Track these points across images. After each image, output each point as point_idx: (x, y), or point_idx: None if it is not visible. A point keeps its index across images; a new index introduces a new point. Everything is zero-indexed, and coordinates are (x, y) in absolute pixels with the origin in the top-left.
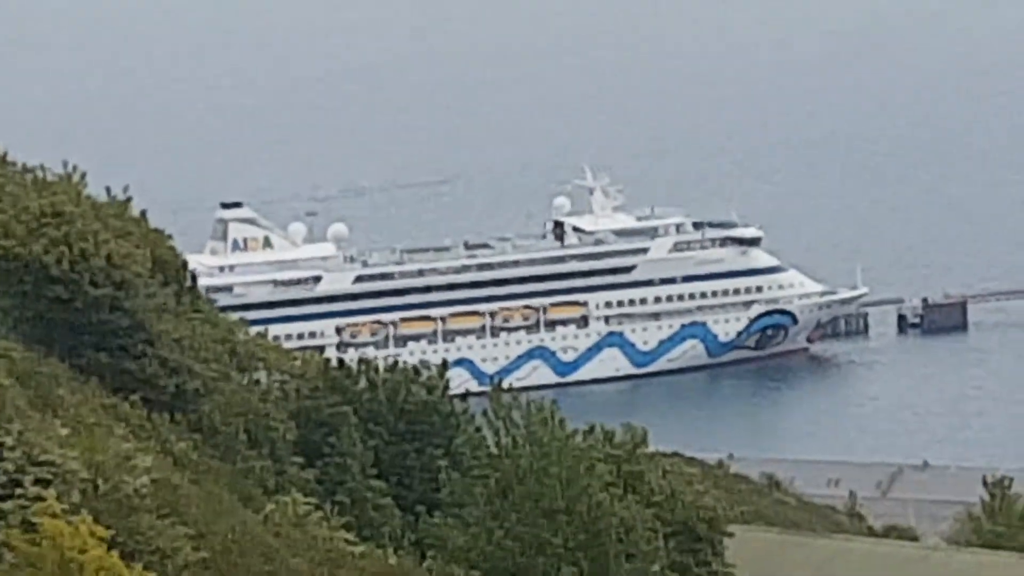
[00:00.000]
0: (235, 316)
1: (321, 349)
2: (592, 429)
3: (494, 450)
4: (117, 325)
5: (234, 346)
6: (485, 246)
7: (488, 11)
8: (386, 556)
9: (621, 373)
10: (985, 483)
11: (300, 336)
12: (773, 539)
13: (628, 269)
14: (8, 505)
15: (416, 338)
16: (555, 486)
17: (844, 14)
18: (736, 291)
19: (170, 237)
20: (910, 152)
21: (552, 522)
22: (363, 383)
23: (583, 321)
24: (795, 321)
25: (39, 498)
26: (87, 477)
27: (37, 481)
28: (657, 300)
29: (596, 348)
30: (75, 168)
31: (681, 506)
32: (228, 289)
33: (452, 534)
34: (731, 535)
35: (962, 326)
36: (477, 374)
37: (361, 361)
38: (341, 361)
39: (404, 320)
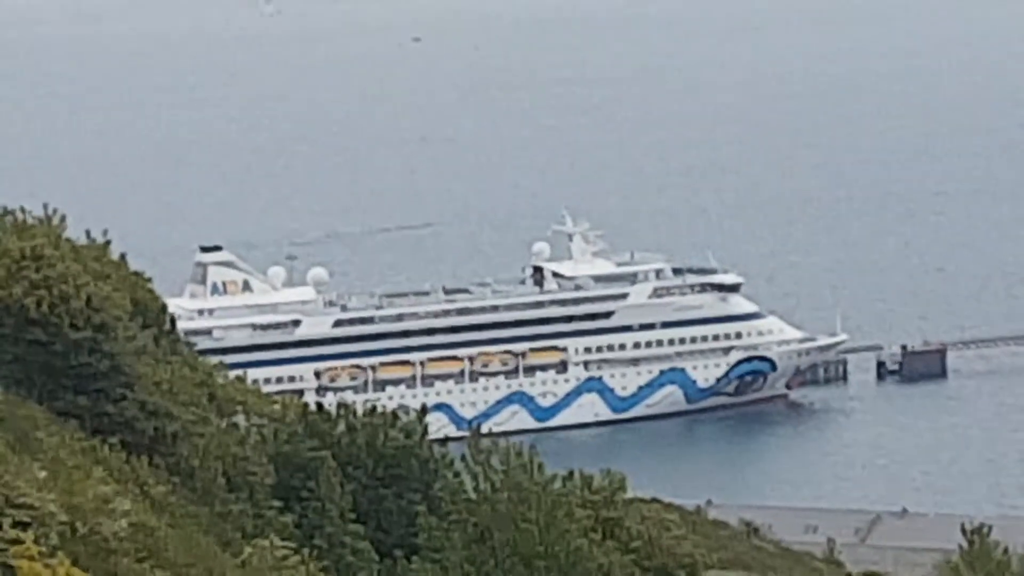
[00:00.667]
0: (214, 360)
1: (300, 393)
2: (571, 475)
3: (472, 495)
4: (96, 368)
5: (213, 390)
6: (464, 291)
7: (465, 55)
8: None
9: (600, 418)
10: (964, 530)
11: (279, 380)
12: None
13: (607, 315)
14: None
15: (395, 383)
16: (533, 531)
17: (823, 65)
18: (715, 337)
19: (149, 280)
20: (890, 200)
21: (530, 568)
22: (342, 427)
23: (562, 366)
24: (774, 368)
25: (17, 540)
26: (65, 520)
27: (15, 524)
28: (636, 346)
29: (575, 393)
30: (55, 211)
31: (659, 552)
32: (207, 332)
33: None
34: None
35: (941, 373)
36: (456, 419)
37: (340, 405)
38: (320, 405)
39: (383, 364)
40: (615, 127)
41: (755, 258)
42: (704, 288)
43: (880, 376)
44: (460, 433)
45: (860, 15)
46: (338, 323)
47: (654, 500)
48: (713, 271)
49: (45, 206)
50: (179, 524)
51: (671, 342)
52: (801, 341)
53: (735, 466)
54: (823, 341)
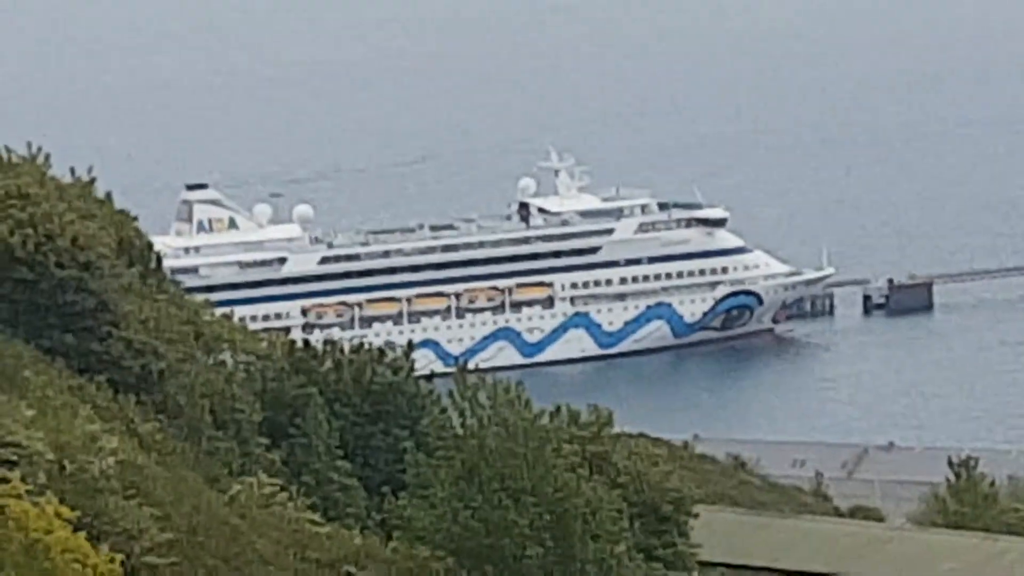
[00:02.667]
0: (200, 297)
1: (287, 330)
2: (558, 410)
3: (459, 431)
4: (82, 306)
5: (199, 327)
6: (450, 227)
7: None
8: (351, 537)
9: (587, 354)
10: (950, 463)
11: (266, 317)
12: (738, 519)
13: (593, 250)
14: None
15: (382, 319)
16: (520, 467)
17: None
18: (701, 272)
19: (135, 218)
20: (876, 133)
21: (517, 503)
22: (328, 364)
23: (549, 302)
24: (760, 302)
25: (4, 480)
26: (52, 458)
27: (2, 463)
28: (623, 281)
29: (562, 329)
30: (39, 150)
31: (647, 487)
32: (193, 270)
33: (417, 515)
34: (696, 516)
35: (927, 307)
36: (442, 355)
37: (327, 342)
38: (307, 342)
39: (369, 301)
40: (601, 62)
41: (741, 192)
42: (690, 223)
43: (866, 310)
44: (447, 369)
45: None
46: (324, 260)
47: (641, 435)
48: (699, 206)
49: (29, 144)
50: (166, 462)
51: (657, 277)
52: (787, 275)
53: (722, 401)
54: (809, 275)
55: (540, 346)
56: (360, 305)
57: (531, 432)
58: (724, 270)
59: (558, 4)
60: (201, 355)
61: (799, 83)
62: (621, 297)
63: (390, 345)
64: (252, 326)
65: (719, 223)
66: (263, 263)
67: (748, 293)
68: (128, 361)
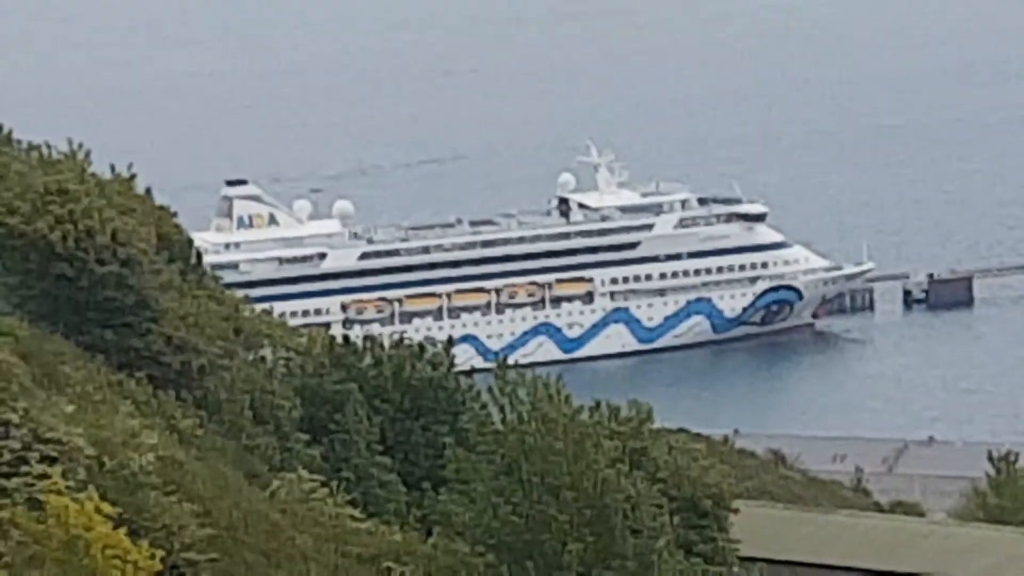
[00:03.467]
0: (240, 293)
1: (326, 326)
2: (598, 405)
3: (500, 427)
4: (122, 302)
5: (239, 323)
6: (490, 223)
7: None
8: (391, 532)
9: (627, 349)
10: (991, 458)
11: (305, 313)
12: (779, 515)
13: (633, 245)
14: (14, 483)
15: (421, 315)
16: (561, 462)
17: None
18: (741, 267)
19: (175, 214)
20: (916, 128)
21: (558, 498)
22: (368, 360)
23: (588, 297)
24: (800, 297)
25: (45, 475)
26: (93, 454)
27: (43, 458)
28: (662, 276)
29: (602, 324)
30: (80, 146)
31: (687, 482)
32: (233, 266)
33: (457, 511)
34: (736, 511)
35: (967, 301)
36: (483, 350)
37: (366, 338)
38: (346, 338)
39: (409, 297)
40: (640, 57)
41: (781, 187)
42: (730, 218)
43: (906, 305)
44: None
45: None
46: (364, 256)
47: (681, 430)
48: (739, 201)
49: (70, 141)
50: (206, 457)
51: (697, 272)
52: (827, 270)
53: (762, 396)
54: (849, 270)
55: (580, 341)
56: (400, 301)
57: (571, 428)
58: (764, 265)
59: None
60: (241, 351)
61: (840, 77)
62: (661, 292)
63: (430, 341)
64: (292, 322)
65: (759, 218)
66: (303, 259)
67: (788, 288)
68: (168, 357)
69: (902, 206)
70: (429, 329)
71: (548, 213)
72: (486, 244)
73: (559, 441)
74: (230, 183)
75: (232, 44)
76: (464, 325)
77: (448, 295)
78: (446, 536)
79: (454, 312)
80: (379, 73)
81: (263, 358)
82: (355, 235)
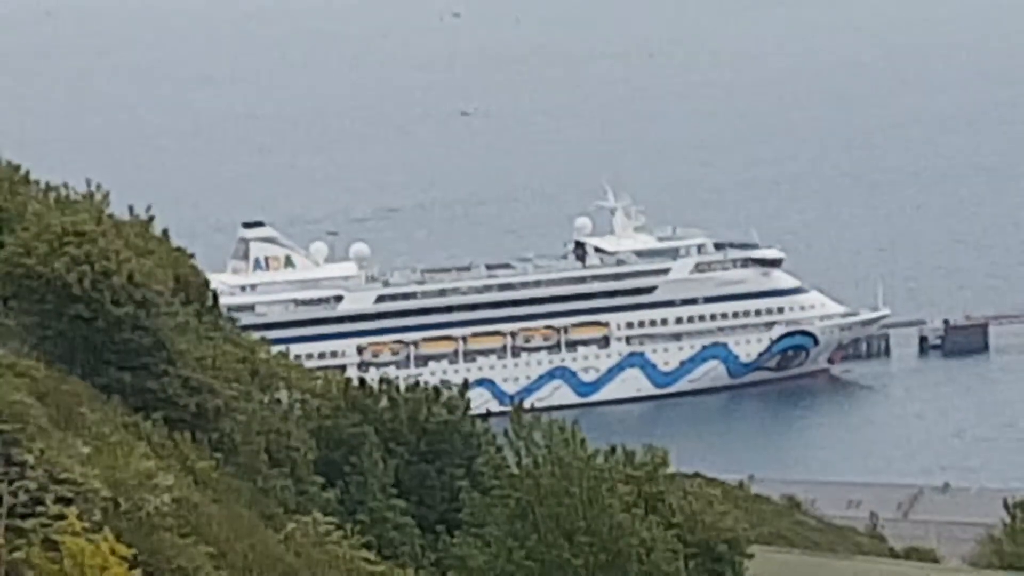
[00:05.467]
0: (256, 335)
1: (342, 368)
2: (613, 450)
3: (515, 470)
4: (139, 344)
5: (255, 365)
6: (506, 266)
7: (506, 30)
8: (406, 575)
9: (642, 394)
10: (1006, 505)
11: (321, 355)
12: (793, 560)
13: (649, 290)
14: (29, 523)
15: (437, 358)
16: (576, 506)
17: (862, 37)
18: (757, 312)
19: (192, 256)
20: (932, 174)
21: (572, 543)
22: (384, 402)
23: (604, 341)
24: (816, 342)
25: (60, 516)
26: (108, 496)
27: (59, 499)
28: (678, 321)
29: (617, 368)
30: (98, 187)
31: (702, 527)
32: (250, 308)
33: (472, 554)
34: (751, 556)
35: (983, 348)
36: (498, 394)
37: (382, 380)
38: (362, 380)
39: (425, 340)
40: (657, 101)
41: (797, 233)
42: (746, 263)
43: (922, 351)
44: (502, 408)
45: None
46: (380, 298)
47: (696, 475)
48: (755, 246)
49: (88, 182)
50: (222, 499)
51: (713, 317)
52: (843, 316)
53: (777, 441)
54: (865, 316)
55: (596, 385)
56: (416, 344)
57: (586, 471)
58: (780, 310)
59: (620, 48)
60: (257, 393)
61: (858, 123)
62: (677, 337)
63: (446, 384)
64: (308, 364)
65: (775, 263)
66: (319, 301)
67: (804, 333)
68: (184, 399)
69: (918, 252)
70: (445, 372)
71: (564, 257)
72: (502, 287)
73: (574, 485)
74: (247, 225)
75: (249, 86)
76: (480, 368)
77: (464, 338)
78: None
79: (470, 355)
80: (396, 115)
81: (279, 400)
82: (371, 278)
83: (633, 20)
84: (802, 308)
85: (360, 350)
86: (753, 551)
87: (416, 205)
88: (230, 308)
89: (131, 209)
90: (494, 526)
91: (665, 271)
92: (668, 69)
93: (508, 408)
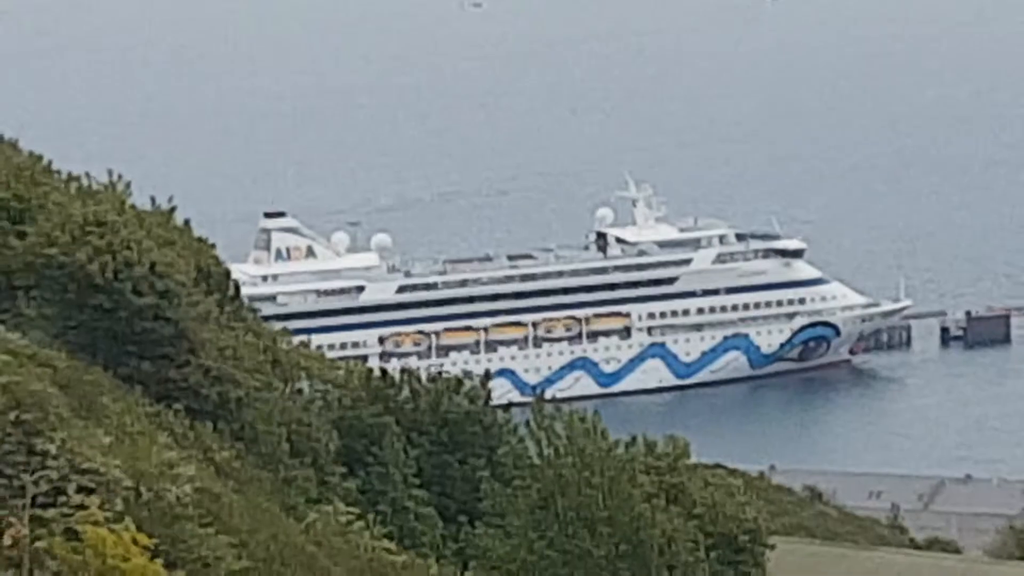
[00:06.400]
0: (278, 325)
1: (364, 359)
2: (634, 440)
3: (536, 461)
4: (160, 334)
5: (277, 355)
6: (528, 257)
7: (527, 20)
8: (428, 566)
9: (663, 384)
10: None
11: (343, 346)
12: (815, 551)
13: (671, 280)
14: (51, 513)
15: (459, 348)
16: (597, 497)
17: (885, 26)
18: (779, 303)
19: (214, 246)
20: (954, 165)
21: (594, 533)
22: (406, 393)
23: (626, 332)
24: (838, 333)
25: (82, 506)
26: (130, 485)
27: (80, 489)
28: (700, 311)
29: (639, 359)
30: (120, 177)
31: (723, 517)
32: (271, 299)
33: (494, 544)
34: (773, 547)
35: (1005, 339)
36: (520, 385)
37: (404, 371)
38: (384, 371)
39: (447, 330)
40: (678, 92)
41: (819, 223)
42: (768, 254)
43: (944, 342)
44: (524, 399)
45: None
46: (402, 289)
47: (718, 466)
48: (776, 237)
49: (110, 172)
50: (243, 490)
51: (734, 308)
52: (865, 307)
53: (799, 432)
54: (887, 307)
55: (617, 376)
56: (437, 334)
57: (607, 462)
58: (801, 301)
59: (639, 39)
60: (278, 383)
61: (876, 112)
62: (698, 327)
63: (467, 374)
64: (329, 354)
65: (797, 254)
66: (341, 291)
67: (825, 324)
68: (206, 389)
69: (940, 243)
70: (466, 363)
71: (586, 248)
72: (524, 278)
73: (595, 476)
74: (268, 215)
75: (271, 75)
76: (501, 359)
77: (485, 329)
78: (482, 570)
79: (491, 346)
80: (415, 105)
81: (300, 390)
82: (393, 268)
83: (652, 8)
84: (823, 299)
85: (382, 340)
86: (774, 542)
87: (438, 196)
88: (252, 298)
89: (153, 199)
90: (515, 516)
91: (687, 262)
92: (690, 58)
93: (529, 399)
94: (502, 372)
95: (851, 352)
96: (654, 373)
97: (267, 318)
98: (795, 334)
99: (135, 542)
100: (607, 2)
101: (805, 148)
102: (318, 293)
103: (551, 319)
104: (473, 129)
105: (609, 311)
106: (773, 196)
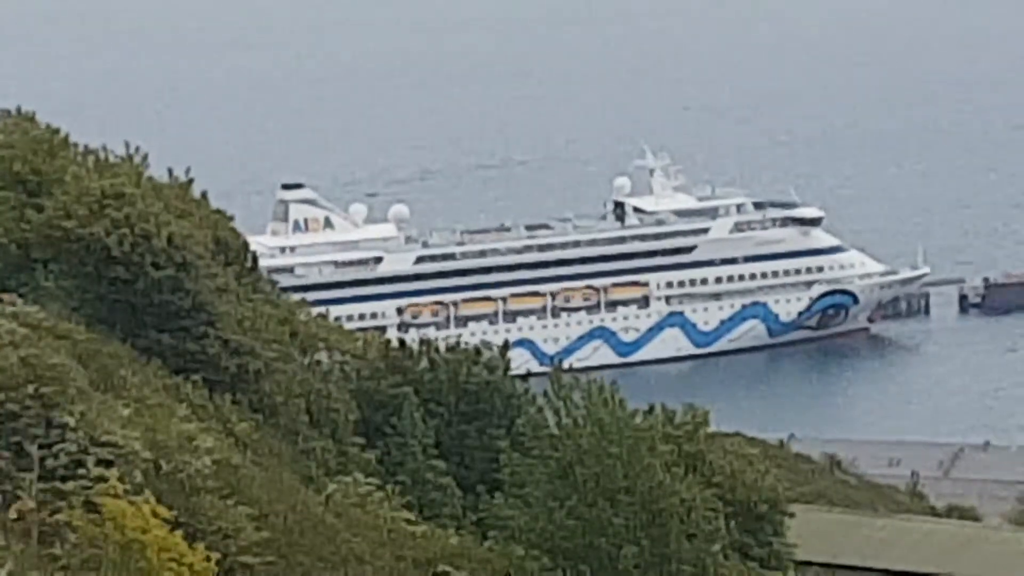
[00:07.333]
0: (296, 297)
1: (382, 330)
2: (652, 409)
3: (555, 431)
4: (178, 306)
5: (295, 327)
6: (546, 227)
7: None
8: (447, 536)
9: (682, 353)
10: None
11: (361, 317)
12: (834, 519)
13: (689, 249)
14: (70, 486)
15: (477, 319)
16: (616, 466)
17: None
18: (797, 271)
19: (231, 218)
20: (971, 132)
21: (613, 502)
22: (424, 364)
23: (644, 301)
24: (856, 301)
25: (101, 479)
26: (149, 458)
27: (99, 462)
28: (718, 280)
29: (657, 328)
30: (137, 149)
31: (742, 486)
32: (289, 270)
33: (513, 514)
34: (792, 515)
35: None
36: (538, 354)
37: (422, 342)
38: (402, 342)
39: (465, 301)
40: (695, 60)
41: (836, 191)
42: (785, 222)
43: (962, 309)
44: (542, 369)
45: None
46: (420, 259)
47: (737, 434)
48: (794, 205)
49: (127, 144)
50: (262, 461)
51: (753, 276)
52: (883, 274)
53: (817, 400)
54: (905, 274)
55: (635, 345)
56: (455, 304)
57: (626, 431)
58: (820, 269)
59: (657, 8)
60: (297, 355)
61: (894, 81)
62: (716, 296)
63: (485, 344)
64: (347, 325)
65: (815, 222)
66: (358, 262)
67: (844, 292)
68: (224, 361)
69: (958, 210)
70: (484, 333)
71: (604, 217)
72: (542, 248)
73: (614, 445)
74: (286, 187)
75: (289, 47)
76: (520, 329)
77: (504, 299)
78: (501, 540)
79: (509, 316)
80: (434, 75)
81: (319, 362)
82: (411, 239)
83: None
84: (842, 267)
85: (400, 311)
86: (794, 510)
87: (455, 166)
88: (270, 270)
89: (170, 171)
90: (534, 487)
91: (704, 231)
92: (707, 27)
93: (548, 368)
94: (520, 342)
95: (869, 320)
96: (672, 342)
97: (285, 289)
98: (813, 302)
99: (154, 514)
100: None
101: (823, 116)
102: (336, 264)
103: (569, 289)
104: (491, 100)
105: (627, 280)
106: (791, 164)
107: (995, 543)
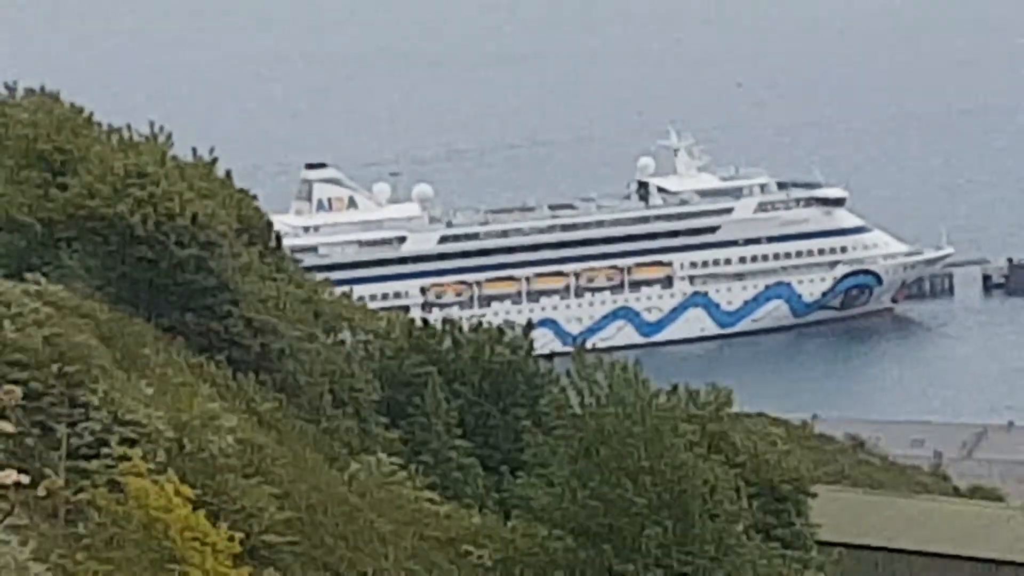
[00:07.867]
0: (320, 276)
1: (406, 309)
2: (676, 389)
3: (578, 410)
4: (202, 285)
5: (319, 306)
6: (570, 207)
7: None
8: (470, 516)
9: (705, 333)
10: None
11: (385, 296)
12: (857, 499)
13: (713, 229)
14: (94, 465)
15: (500, 298)
16: (639, 446)
17: None
18: (821, 251)
19: (255, 197)
20: (995, 113)
21: (636, 482)
22: (448, 343)
23: (667, 281)
24: (880, 282)
25: (125, 458)
26: (172, 437)
27: (123, 441)
28: (742, 260)
29: (680, 308)
30: (161, 129)
31: (765, 466)
32: (313, 249)
33: (536, 494)
34: (815, 495)
35: None
36: (561, 334)
37: (446, 321)
38: (426, 321)
39: (488, 280)
40: (719, 40)
41: (860, 172)
42: (809, 202)
43: (986, 289)
44: (565, 348)
45: None
46: (443, 239)
47: (760, 415)
48: (818, 185)
49: (151, 124)
50: (286, 440)
51: (776, 256)
52: (907, 255)
53: (841, 380)
54: (929, 255)
55: (659, 325)
56: (479, 284)
57: (649, 412)
58: (843, 249)
59: None
60: (320, 334)
61: (918, 62)
62: (740, 276)
63: (509, 324)
64: (371, 305)
65: (838, 202)
66: (382, 242)
67: (867, 273)
68: (248, 340)
69: (982, 190)
70: (508, 313)
71: (627, 197)
72: (565, 228)
73: (637, 425)
74: (310, 166)
75: (314, 26)
76: (543, 309)
77: (527, 279)
78: (524, 519)
79: (533, 296)
80: (459, 57)
81: (342, 341)
82: (435, 219)
83: None
84: (865, 247)
85: (423, 291)
86: (816, 490)
87: (479, 146)
88: (293, 249)
89: (194, 151)
90: (557, 466)
91: (728, 211)
92: (734, 6)
93: (571, 348)
94: (544, 322)
95: (893, 300)
96: (696, 322)
97: (309, 269)
98: (837, 283)
99: (177, 493)
100: None
101: (847, 96)
102: (360, 244)
103: (593, 269)
104: (517, 80)
105: (651, 260)
106: (815, 144)
107: (1018, 524)
